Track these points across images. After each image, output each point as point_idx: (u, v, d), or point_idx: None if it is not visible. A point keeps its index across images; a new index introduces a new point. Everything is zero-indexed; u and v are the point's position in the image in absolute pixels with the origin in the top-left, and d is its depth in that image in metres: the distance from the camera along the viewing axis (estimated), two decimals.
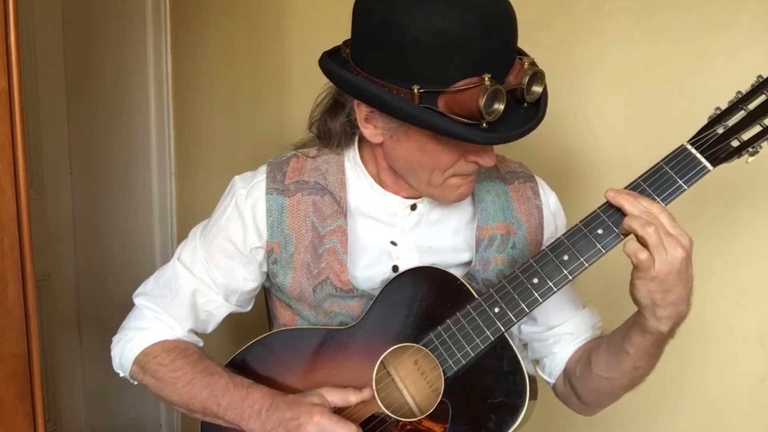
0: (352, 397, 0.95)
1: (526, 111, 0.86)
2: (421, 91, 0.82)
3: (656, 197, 0.85)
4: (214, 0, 1.89)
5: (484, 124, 0.82)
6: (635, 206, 0.82)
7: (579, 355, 1.05)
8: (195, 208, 2.05)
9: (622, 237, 0.86)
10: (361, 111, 0.94)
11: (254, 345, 1.06)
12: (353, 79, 0.89)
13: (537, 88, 0.86)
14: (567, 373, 1.06)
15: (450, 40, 0.80)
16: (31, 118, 1.90)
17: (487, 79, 0.80)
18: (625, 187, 0.86)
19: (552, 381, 1.08)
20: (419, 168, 0.94)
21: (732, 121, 0.84)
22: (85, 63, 2.04)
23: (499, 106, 0.82)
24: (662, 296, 0.83)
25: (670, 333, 0.89)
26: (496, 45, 0.83)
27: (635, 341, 0.91)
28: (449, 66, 0.81)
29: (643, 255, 0.81)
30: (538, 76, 0.85)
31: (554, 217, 1.09)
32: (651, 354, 0.93)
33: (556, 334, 1.07)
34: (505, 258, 1.04)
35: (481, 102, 0.79)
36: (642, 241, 0.81)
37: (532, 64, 0.86)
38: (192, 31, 1.95)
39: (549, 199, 1.09)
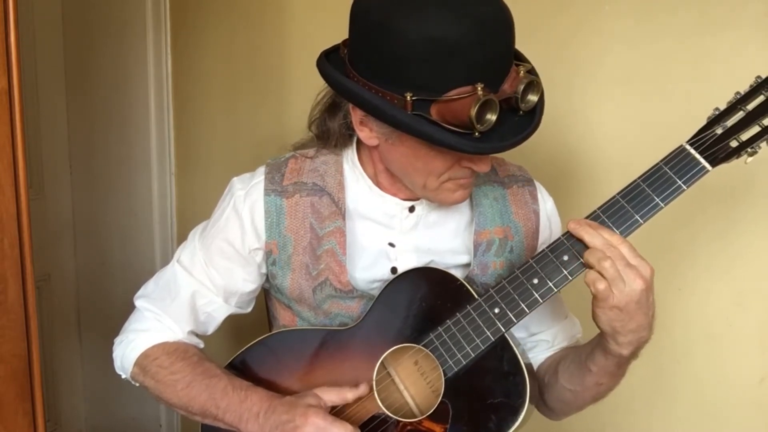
0: (348, 395, 0.95)
1: (521, 119, 0.85)
2: (414, 98, 0.82)
3: (656, 197, 0.85)
4: (214, 0, 1.89)
5: (477, 134, 0.81)
6: (595, 238, 0.83)
7: (549, 362, 1.06)
8: (195, 208, 2.05)
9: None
10: (356, 114, 0.94)
11: (255, 346, 1.06)
12: (348, 84, 0.89)
13: (532, 97, 0.85)
14: (537, 379, 1.06)
15: (444, 48, 0.79)
16: (31, 118, 1.90)
17: (480, 88, 0.79)
18: (624, 188, 0.87)
19: None
20: (414, 172, 0.94)
21: (731, 122, 0.84)
22: (85, 63, 2.04)
23: (492, 117, 0.81)
24: (622, 324, 0.84)
25: (632, 356, 0.90)
26: (491, 54, 0.82)
27: (597, 361, 0.92)
28: (443, 74, 0.81)
29: (601, 285, 0.82)
30: (533, 84, 0.84)
31: (550, 222, 1.09)
32: (612, 373, 0.94)
33: (533, 340, 1.08)
34: (504, 262, 1.04)
35: (473, 112, 0.78)
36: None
37: (529, 72, 0.85)
38: (192, 31, 1.95)
39: (546, 204, 1.09)
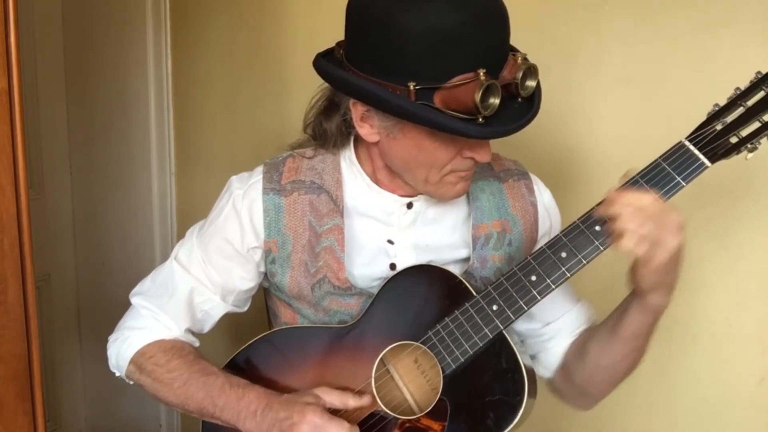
0: (350, 401, 0.95)
1: (521, 106, 0.87)
2: (417, 87, 0.83)
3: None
4: (214, 0, 1.89)
5: (480, 119, 0.82)
6: (626, 207, 0.82)
7: (574, 348, 1.05)
8: (195, 208, 2.05)
9: None
10: (356, 110, 0.94)
11: (255, 344, 1.06)
12: (349, 79, 0.89)
13: (531, 83, 0.86)
14: (565, 367, 1.06)
15: (445, 36, 0.80)
16: (31, 118, 1.90)
17: (482, 74, 0.80)
18: (623, 185, 0.86)
19: (549, 375, 1.08)
20: (416, 166, 0.94)
21: (730, 118, 0.84)
22: (85, 63, 2.04)
23: (495, 101, 0.82)
24: (663, 279, 0.85)
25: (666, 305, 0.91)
26: (490, 41, 0.83)
27: (635, 323, 0.92)
28: (445, 62, 0.82)
29: (641, 250, 0.81)
30: (531, 70, 0.86)
31: (549, 214, 1.09)
32: (649, 333, 0.94)
33: (552, 330, 1.07)
34: (503, 255, 1.04)
35: (477, 97, 0.79)
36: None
37: (525, 59, 0.87)
38: (192, 31, 1.95)
39: (543, 196, 1.09)
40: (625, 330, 0.93)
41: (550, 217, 1.09)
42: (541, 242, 1.07)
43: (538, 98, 0.88)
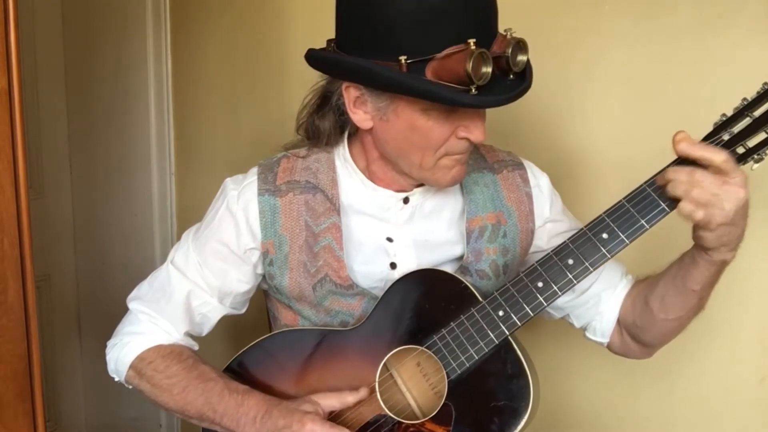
0: (349, 398, 0.96)
1: (513, 81, 0.87)
2: (409, 61, 0.83)
3: (661, 202, 0.85)
4: (214, 0, 1.89)
5: (473, 90, 0.82)
6: (679, 173, 0.82)
7: (630, 304, 1.04)
8: (195, 208, 2.05)
9: (627, 242, 0.86)
10: (349, 95, 0.94)
11: (255, 346, 1.06)
12: (340, 59, 0.90)
13: (522, 57, 0.87)
14: (623, 325, 1.05)
15: (433, 9, 0.81)
16: (31, 118, 1.89)
17: (472, 43, 0.81)
18: (630, 193, 0.87)
19: (606, 340, 1.08)
20: (410, 149, 0.94)
21: (737, 128, 0.84)
22: (85, 63, 2.04)
23: (487, 69, 0.82)
24: (729, 236, 0.84)
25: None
26: (478, 14, 0.84)
27: (701, 277, 0.92)
28: (434, 35, 0.83)
29: (699, 215, 0.81)
30: (521, 45, 0.86)
31: (548, 198, 1.09)
32: (713, 282, 0.94)
33: (594, 295, 1.06)
34: (497, 248, 1.04)
35: (469, 66, 0.80)
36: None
37: (514, 35, 0.87)
38: (192, 31, 1.95)
39: (540, 181, 1.09)
40: (692, 287, 0.93)
41: (549, 201, 1.09)
42: (546, 228, 1.08)
43: (530, 73, 0.88)
